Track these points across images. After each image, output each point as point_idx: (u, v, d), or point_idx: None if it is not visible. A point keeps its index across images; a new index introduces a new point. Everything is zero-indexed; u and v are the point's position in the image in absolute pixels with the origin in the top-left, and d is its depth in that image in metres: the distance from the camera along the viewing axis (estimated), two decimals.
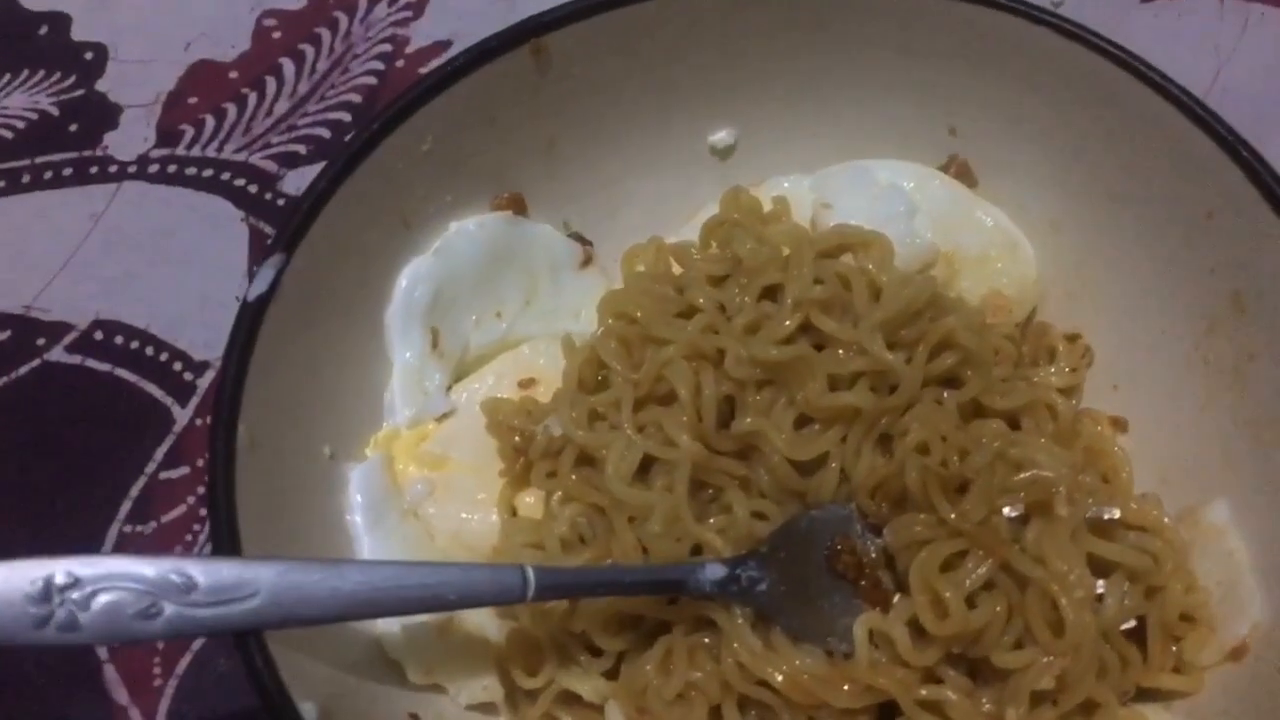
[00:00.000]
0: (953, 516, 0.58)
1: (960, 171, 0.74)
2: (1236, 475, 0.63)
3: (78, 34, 0.97)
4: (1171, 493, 0.66)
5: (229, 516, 0.56)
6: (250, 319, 0.60)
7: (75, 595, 0.50)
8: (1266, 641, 0.58)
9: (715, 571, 0.59)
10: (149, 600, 0.51)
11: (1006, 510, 0.59)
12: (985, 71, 0.71)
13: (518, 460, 0.66)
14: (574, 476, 0.64)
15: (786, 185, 0.76)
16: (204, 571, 0.52)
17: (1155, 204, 0.67)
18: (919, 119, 0.74)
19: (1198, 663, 0.60)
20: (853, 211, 0.72)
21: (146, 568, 0.51)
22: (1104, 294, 0.71)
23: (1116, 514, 0.61)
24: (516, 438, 0.66)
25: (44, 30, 0.97)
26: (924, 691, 0.58)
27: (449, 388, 0.71)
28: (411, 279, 0.70)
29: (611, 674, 0.63)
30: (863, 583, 0.60)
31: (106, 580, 0.51)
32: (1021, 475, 0.60)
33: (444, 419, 0.70)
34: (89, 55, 0.96)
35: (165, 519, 0.77)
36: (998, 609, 0.58)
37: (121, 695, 0.72)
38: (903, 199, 0.73)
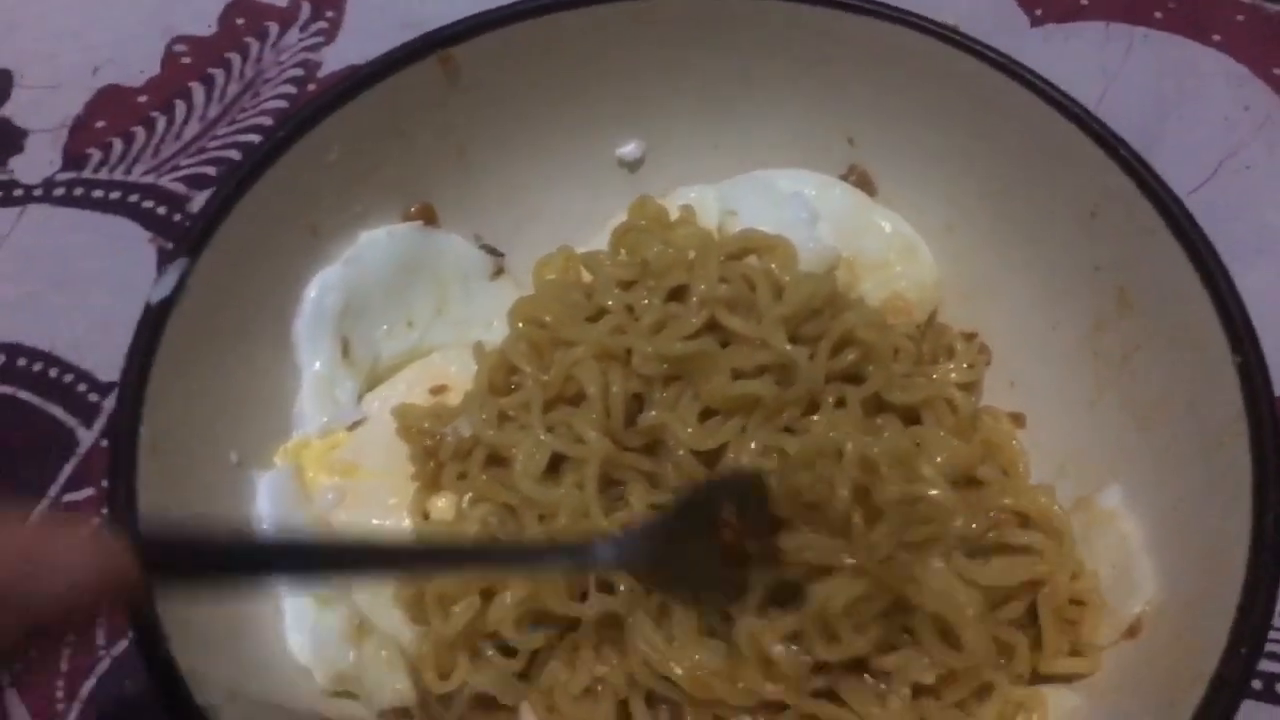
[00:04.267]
0: (852, 560, 0.59)
1: (860, 180, 0.77)
2: (1127, 461, 0.65)
3: None
4: (1068, 482, 0.68)
5: (130, 521, 0.55)
6: (153, 321, 0.59)
7: None
8: (1159, 617, 0.60)
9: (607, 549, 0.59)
10: None
11: None
12: (881, 84, 0.73)
13: (429, 463, 0.66)
14: (484, 477, 0.65)
15: (693, 195, 0.78)
16: None
17: (1042, 205, 0.70)
18: (819, 130, 0.77)
19: (1096, 643, 0.62)
20: (757, 218, 0.74)
21: None
22: (999, 294, 0.73)
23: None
24: (427, 441, 0.66)
25: None
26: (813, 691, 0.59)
27: (360, 396, 0.71)
28: (321, 288, 0.70)
29: (525, 675, 0.63)
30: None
31: None
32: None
33: (355, 427, 0.70)
34: None
35: None
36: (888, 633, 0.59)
37: None
38: (805, 206, 0.75)
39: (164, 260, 0.85)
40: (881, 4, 0.70)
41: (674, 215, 0.74)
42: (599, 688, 0.60)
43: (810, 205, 0.74)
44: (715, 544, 0.60)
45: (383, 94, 0.69)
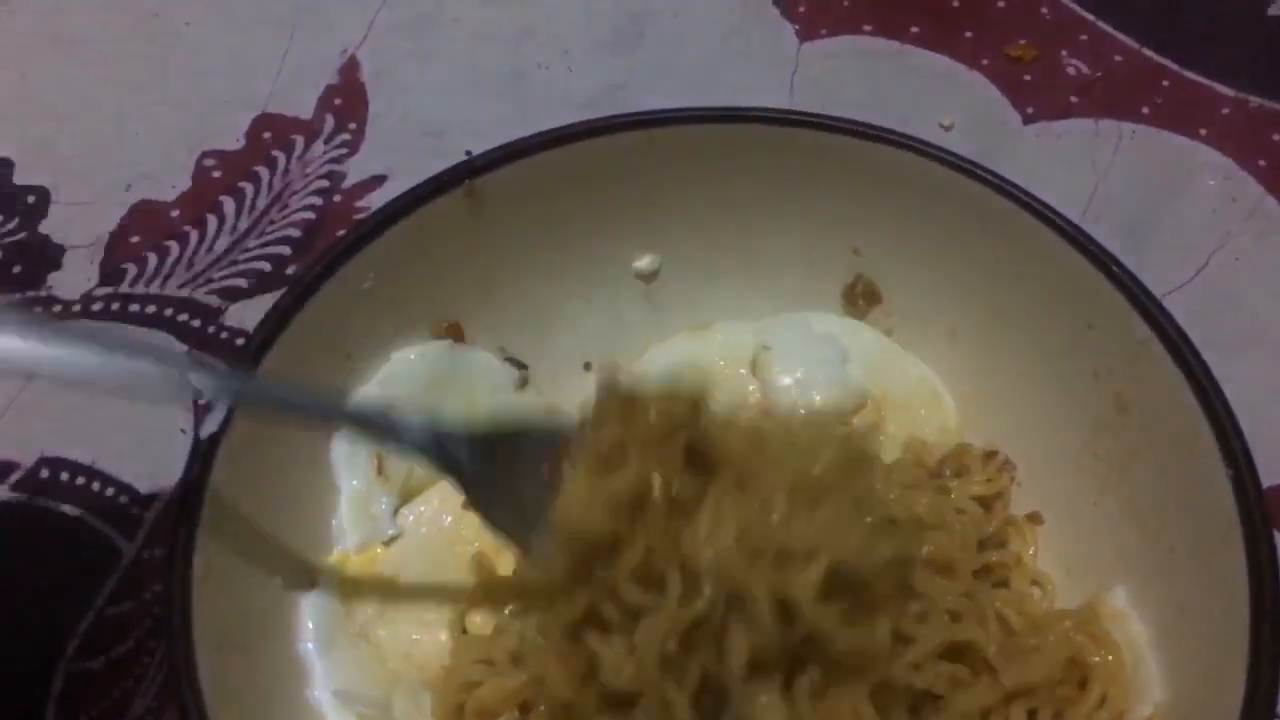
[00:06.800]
0: None
1: (866, 288, 0.80)
2: (1130, 563, 0.68)
3: (20, 178, 1.00)
4: (1075, 581, 0.71)
5: (186, 649, 0.58)
6: (203, 457, 0.63)
7: None
8: (1168, 719, 0.63)
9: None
10: None
11: None
12: (883, 200, 0.77)
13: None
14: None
15: (730, 331, 0.83)
16: None
17: (1040, 317, 0.73)
18: (826, 241, 0.80)
19: None
20: (790, 353, 0.79)
21: None
22: (1002, 400, 0.77)
23: None
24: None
25: None
26: None
27: (395, 511, 0.74)
28: None
29: None
30: None
31: None
32: None
33: (391, 542, 0.73)
34: (31, 199, 0.99)
35: (114, 654, 0.78)
36: None
37: None
38: (836, 346, 0.79)
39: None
40: (887, 130, 0.74)
41: (714, 349, 0.81)
42: None
43: (841, 346, 0.79)
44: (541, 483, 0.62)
45: (412, 225, 0.73)
